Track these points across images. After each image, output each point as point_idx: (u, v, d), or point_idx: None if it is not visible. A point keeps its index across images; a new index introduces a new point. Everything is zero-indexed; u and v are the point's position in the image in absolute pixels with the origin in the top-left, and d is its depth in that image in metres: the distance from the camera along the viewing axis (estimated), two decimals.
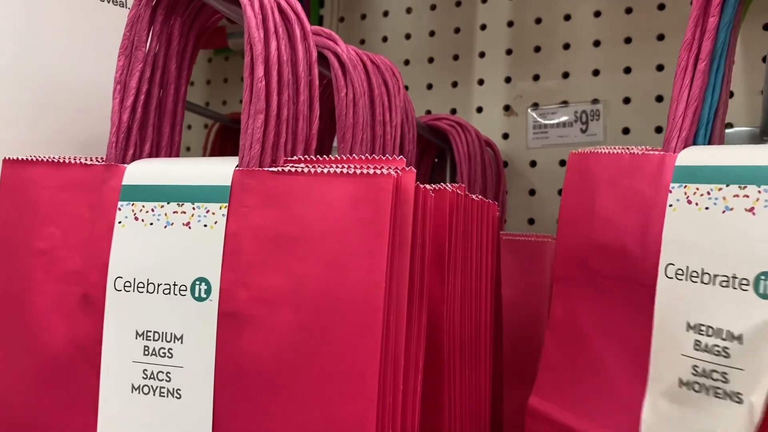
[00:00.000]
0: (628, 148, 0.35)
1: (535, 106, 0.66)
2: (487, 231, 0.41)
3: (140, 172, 0.34)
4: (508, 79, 0.67)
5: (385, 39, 0.74)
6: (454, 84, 0.70)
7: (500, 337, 0.45)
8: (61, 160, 0.35)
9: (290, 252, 0.30)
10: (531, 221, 0.65)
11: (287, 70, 0.33)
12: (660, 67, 0.60)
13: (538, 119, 0.65)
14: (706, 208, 0.31)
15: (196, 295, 0.32)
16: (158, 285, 0.32)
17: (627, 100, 0.61)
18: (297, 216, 0.31)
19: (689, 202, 0.32)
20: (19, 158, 0.36)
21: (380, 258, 0.29)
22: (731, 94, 0.58)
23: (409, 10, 0.73)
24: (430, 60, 0.72)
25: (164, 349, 0.32)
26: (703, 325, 0.31)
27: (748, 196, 0.30)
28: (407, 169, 0.31)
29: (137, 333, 0.33)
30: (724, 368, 0.30)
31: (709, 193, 0.31)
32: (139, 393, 0.32)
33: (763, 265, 0.29)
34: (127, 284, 0.33)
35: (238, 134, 0.33)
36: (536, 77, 0.66)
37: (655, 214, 0.32)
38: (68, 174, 0.35)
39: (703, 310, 0.31)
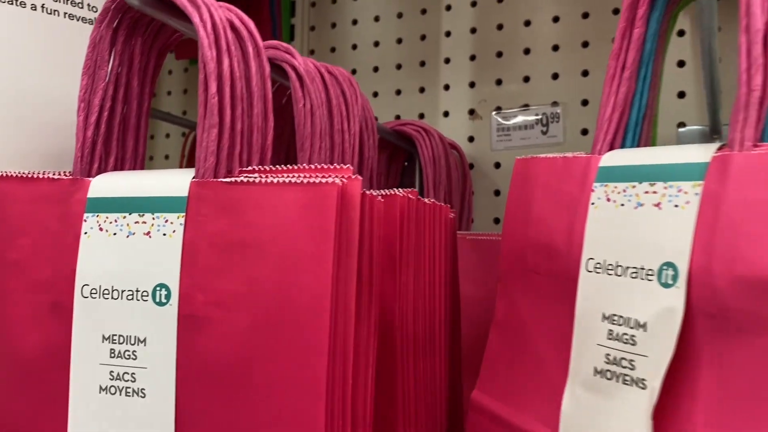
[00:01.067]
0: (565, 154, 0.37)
1: (498, 109, 0.68)
2: (440, 232, 0.44)
3: (104, 185, 0.36)
4: (472, 84, 0.70)
5: (354, 47, 0.76)
6: (422, 89, 0.72)
7: (458, 333, 0.47)
8: (30, 175, 0.37)
9: (244, 257, 0.33)
10: (497, 221, 0.68)
11: (240, 85, 0.36)
12: None
13: (502, 122, 0.68)
14: (622, 205, 0.33)
15: (157, 300, 0.34)
16: (122, 291, 0.34)
17: (585, 102, 0.64)
18: (250, 223, 0.33)
19: (608, 199, 0.34)
20: None
21: (326, 261, 0.31)
22: (683, 95, 0.61)
23: (377, 19, 0.75)
24: (398, 66, 0.74)
25: (129, 351, 0.34)
26: (615, 315, 0.33)
27: (656, 192, 0.32)
28: (354, 177, 0.33)
29: (104, 337, 0.35)
30: (632, 356, 0.32)
31: (624, 190, 0.34)
32: (106, 393, 0.34)
33: (665, 255, 0.31)
34: (93, 291, 0.35)
35: None
36: (499, 82, 0.68)
37: (580, 213, 0.34)
38: (37, 188, 0.37)
39: (615, 301, 0.33)
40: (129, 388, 0.34)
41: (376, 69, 0.75)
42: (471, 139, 0.70)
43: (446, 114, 0.71)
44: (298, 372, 0.31)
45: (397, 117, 0.73)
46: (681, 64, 0.60)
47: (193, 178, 0.34)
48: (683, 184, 0.31)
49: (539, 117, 0.66)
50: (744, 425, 0.29)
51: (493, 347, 0.41)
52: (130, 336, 0.34)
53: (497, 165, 0.68)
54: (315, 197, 0.32)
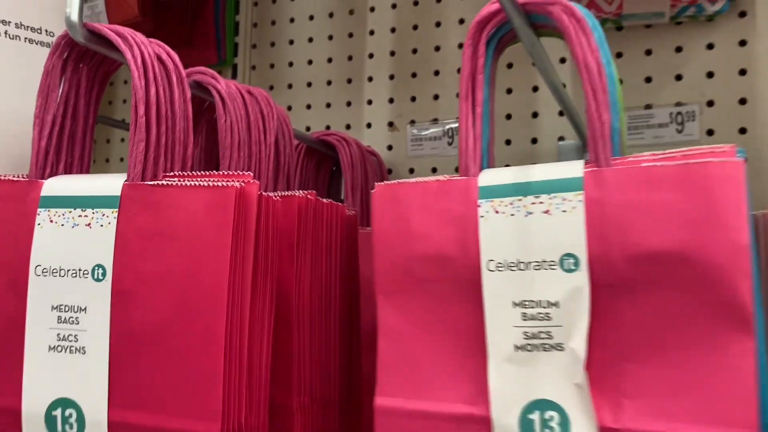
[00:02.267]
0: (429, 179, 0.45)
1: (413, 122, 0.78)
2: (337, 226, 0.53)
3: (55, 185, 0.45)
4: (391, 100, 0.79)
5: (291, 64, 0.85)
6: (348, 103, 0.82)
7: (356, 312, 0.56)
8: None
9: (163, 245, 0.41)
10: None
11: (165, 108, 0.45)
12: (509, 91, 0.73)
13: (416, 133, 0.77)
14: (512, 215, 0.41)
15: (95, 277, 0.43)
16: (68, 270, 0.43)
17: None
18: (167, 218, 0.42)
19: (497, 212, 0.42)
20: None
21: (225, 248, 0.40)
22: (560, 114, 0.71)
23: (310, 40, 0.84)
24: (329, 83, 0.83)
25: (72, 318, 0.43)
26: (526, 300, 0.41)
27: (542, 203, 0.41)
28: (252, 181, 0.42)
29: (52, 306, 0.43)
30: (548, 328, 0.40)
31: (512, 203, 0.42)
32: (54, 351, 0.43)
33: (565, 248, 0.40)
34: (45, 270, 0.44)
35: None
36: (413, 99, 0.78)
37: (469, 225, 0.42)
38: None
39: (524, 290, 0.41)
40: (72, 346, 0.43)
41: (309, 84, 0.84)
42: (390, 147, 0.79)
43: (369, 125, 0.81)
44: (204, 335, 0.40)
45: (327, 127, 0.83)
46: (535, 89, 0.71)
47: (125, 181, 0.43)
48: (566, 194, 0.40)
49: (446, 130, 0.75)
50: (636, 354, 0.38)
51: (386, 355, 0.45)
52: (74, 306, 0.43)
53: (411, 170, 0.78)
54: (218, 197, 0.41)
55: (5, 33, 0.57)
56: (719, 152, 0.36)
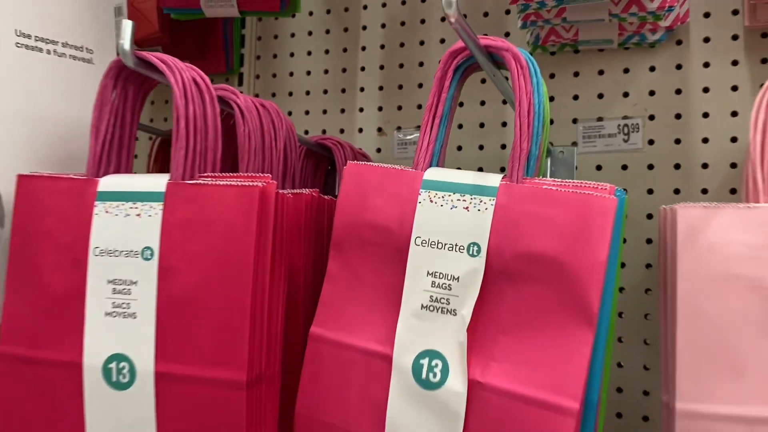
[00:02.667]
0: (393, 166, 0.56)
1: (399, 128, 0.89)
2: (332, 220, 0.64)
3: (109, 183, 0.55)
4: (380, 108, 0.90)
5: (291, 74, 0.96)
6: (342, 110, 0.92)
7: None
8: (56, 175, 0.56)
9: (201, 231, 0.52)
10: None
11: (200, 122, 0.55)
12: (482, 102, 0.84)
13: (401, 138, 0.88)
14: (441, 205, 0.53)
15: (144, 257, 0.53)
16: (121, 251, 0.54)
17: (461, 126, 0.85)
18: (204, 210, 0.52)
19: (431, 201, 0.54)
20: (28, 174, 0.57)
21: (251, 235, 0.51)
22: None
23: (309, 53, 0.95)
24: (325, 92, 0.94)
25: (126, 289, 0.53)
26: (437, 272, 0.53)
27: (465, 200, 0.52)
28: (271, 182, 0.53)
29: (108, 280, 0.54)
30: (448, 296, 0.52)
31: (443, 197, 0.53)
32: (110, 316, 0.54)
33: (472, 237, 0.51)
34: (102, 251, 0.54)
35: None
36: (399, 107, 0.89)
37: (409, 207, 0.54)
38: (62, 184, 0.56)
39: (436, 264, 0.53)
40: (125, 312, 0.53)
41: (308, 92, 0.95)
42: (379, 150, 0.90)
43: (360, 130, 0.91)
44: (233, 302, 0.51)
45: (323, 131, 0.93)
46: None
47: (169, 180, 0.54)
48: (483, 197, 0.51)
49: None
50: (508, 329, 0.49)
51: (327, 294, 0.57)
52: (126, 279, 0.53)
53: None
54: (245, 194, 0.52)
55: (54, 51, 0.67)
56: (601, 189, 0.47)
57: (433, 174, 0.54)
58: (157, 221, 0.53)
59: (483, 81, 0.83)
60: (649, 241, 0.75)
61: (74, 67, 0.69)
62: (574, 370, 0.47)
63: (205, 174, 0.55)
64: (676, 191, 0.75)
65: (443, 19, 0.87)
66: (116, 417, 0.54)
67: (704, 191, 0.74)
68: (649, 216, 0.75)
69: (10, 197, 0.61)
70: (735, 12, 0.73)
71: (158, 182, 0.54)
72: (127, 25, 0.54)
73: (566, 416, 0.46)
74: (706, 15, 0.75)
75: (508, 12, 0.83)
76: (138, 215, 0.54)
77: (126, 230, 0.54)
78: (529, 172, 0.52)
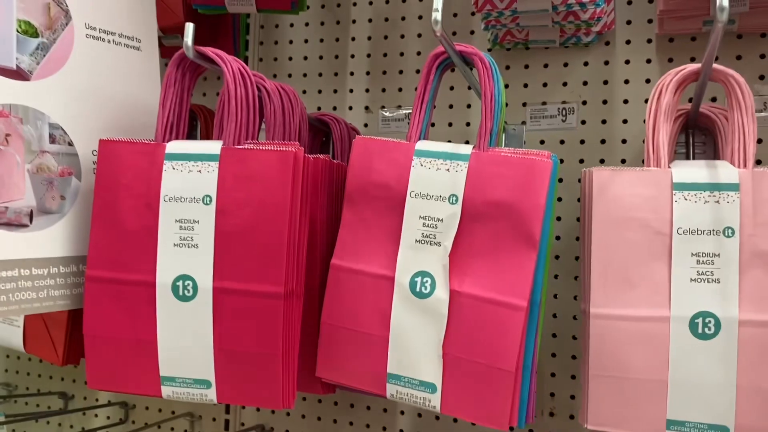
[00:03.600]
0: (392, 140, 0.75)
1: (383, 107, 1.07)
2: (340, 179, 0.83)
3: (174, 146, 0.73)
4: (367, 90, 1.08)
5: (290, 58, 1.13)
6: (335, 91, 1.10)
7: None
8: (132, 140, 0.73)
9: (248, 183, 0.70)
10: None
11: (244, 101, 0.73)
12: (451, 88, 1.03)
13: (385, 115, 1.07)
14: (429, 168, 0.71)
15: (205, 202, 0.71)
16: (186, 198, 0.71)
17: (434, 107, 1.04)
18: (251, 167, 0.70)
19: (421, 165, 0.72)
20: (108, 139, 0.74)
21: (287, 185, 0.69)
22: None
23: (306, 41, 1.12)
24: (320, 74, 1.11)
25: (190, 226, 0.71)
26: (426, 216, 0.71)
27: (446, 164, 0.71)
28: (300, 148, 0.71)
29: (176, 220, 0.71)
30: (435, 233, 0.71)
31: (430, 161, 0.72)
32: (178, 247, 0.71)
33: (451, 191, 0.69)
34: (170, 198, 0.71)
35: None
36: (383, 90, 1.07)
37: (405, 170, 0.71)
38: (137, 147, 0.73)
39: (426, 210, 0.70)
40: (189, 243, 0.71)
41: (305, 75, 1.12)
42: (366, 125, 1.09)
43: (350, 108, 1.10)
44: (274, 235, 0.69)
45: (318, 108, 1.11)
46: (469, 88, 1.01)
47: (222, 145, 0.72)
48: (459, 162, 0.70)
49: (407, 114, 1.06)
50: (477, 254, 0.69)
51: (343, 235, 0.74)
52: (190, 219, 0.71)
53: None
54: (283, 156, 0.70)
55: (113, 41, 0.83)
56: (541, 155, 0.67)
57: (422, 145, 0.73)
58: (214, 176, 0.71)
59: (452, 70, 1.02)
60: (579, 200, 0.96)
61: (128, 54, 0.85)
62: (523, 279, 0.67)
63: (249, 141, 0.73)
64: (601, 161, 0.96)
65: (421, 17, 1.05)
66: (182, 322, 0.72)
67: (623, 161, 0.95)
68: (580, 180, 0.96)
69: (85, 158, 0.78)
70: (650, 21, 0.94)
71: (214, 146, 0.72)
72: (190, 27, 0.71)
73: (518, 311, 0.67)
74: (628, 22, 0.95)
75: (473, 14, 1.02)
76: (199, 171, 0.71)
77: (189, 183, 0.71)
78: (491, 143, 0.71)
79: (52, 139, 0.75)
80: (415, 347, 0.71)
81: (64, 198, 0.76)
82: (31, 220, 0.72)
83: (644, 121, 0.92)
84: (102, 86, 0.81)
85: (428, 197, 0.71)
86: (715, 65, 0.69)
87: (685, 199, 0.68)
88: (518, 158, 0.68)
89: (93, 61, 0.80)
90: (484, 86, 0.70)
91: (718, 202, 0.68)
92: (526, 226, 0.67)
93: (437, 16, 0.64)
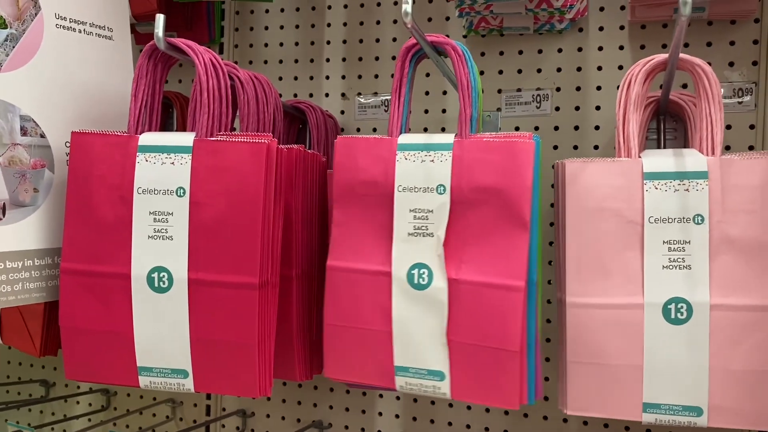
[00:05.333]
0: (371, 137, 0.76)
1: (359, 94, 1.07)
2: (315, 168, 0.83)
3: (147, 138, 0.72)
4: (343, 77, 1.08)
5: (266, 45, 1.12)
6: (311, 77, 1.10)
7: (326, 219, 0.87)
8: (105, 132, 0.73)
9: (221, 174, 0.70)
10: None
11: (217, 92, 0.73)
12: (427, 74, 1.03)
13: (361, 102, 1.07)
14: (413, 161, 0.71)
15: (178, 194, 0.71)
16: (159, 190, 0.71)
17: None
18: (224, 159, 0.70)
19: (405, 159, 0.72)
20: (80, 131, 0.73)
21: (260, 176, 0.69)
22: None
23: (281, 27, 1.11)
24: (296, 61, 1.11)
25: (164, 218, 0.71)
26: (416, 208, 0.71)
27: (430, 155, 0.71)
28: (273, 139, 0.71)
29: (149, 212, 0.71)
30: (426, 224, 0.71)
31: (414, 154, 0.71)
32: (152, 239, 0.72)
33: (438, 181, 0.69)
34: (144, 191, 0.72)
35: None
36: (359, 77, 1.07)
37: (390, 165, 0.71)
38: (110, 139, 0.73)
39: (415, 203, 0.70)
40: (164, 236, 0.71)
41: (281, 61, 1.12)
42: (342, 112, 1.09)
43: (327, 95, 1.10)
44: (248, 226, 0.70)
45: (295, 95, 1.11)
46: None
47: (195, 137, 0.72)
48: (443, 152, 0.70)
49: (383, 100, 1.06)
50: (471, 240, 0.69)
51: (336, 236, 0.75)
52: (164, 211, 0.71)
53: (358, 129, 1.08)
54: (255, 147, 0.70)
55: (83, 30, 0.83)
56: (523, 136, 0.68)
57: (404, 139, 0.73)
58: (187, 168, 0.71)
59: (427, 75, 1.03)
60: (552, 186, 0.97)
61: (98, 43, 0.85)
62: (518, 261, 0.68)
63: (221, 133, 0.73)
64: (575, 147, 0.97)
65: (396, 3, 1.05)
66: (158, 313, 0.72)
67: (596, 147, 0.96)
68: (554, 168, 0.97)
69: (58, 149, 0.78)
70: (622, 8, 0.95)
71: (187, 138, 0.72)
72: (160, 18, 0.71)
73: (517, 292, 0.68)
74: (601, 9, 0.96)
75: (448, 0, 1.02)
76: (172, 163, 0.71)
77: (163, 174, 0.71)
78: (472, 130, 0.72)
79: (24, 132, 0.74)
80: (419, 338, 0.72)
81: (37, 190, 0.75)
82: (3, 214, 0.72)
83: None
84: (73, 77, 0.80)
85: (416, 190, 0.71)
86: (682, 55, 0.70)
87: (656, 188, 0.70)
88: (501, 142, 0.69)
89: (63, 51, 0.79)
90: (459, 74, 0.71)
91: (687, 190, 0.69)
92: (515, 207, 0.68)
93: (407, 8, 0.64)
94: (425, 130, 1.03)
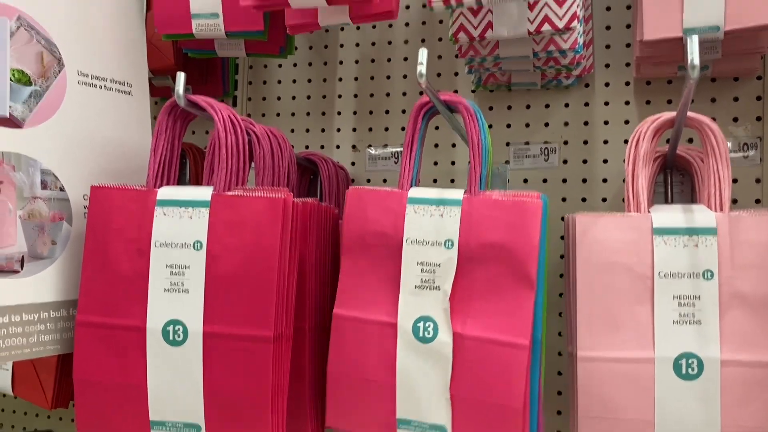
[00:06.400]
0: (383, 188, 0.77)
1: (370, 146, 1.09)
2: (328, 221, 0.84)
3: (165, 192, 0.74)
4: (354, 129, 1.10)
5: (279, 98, 1.15)
6: (323, 130, 1.12)
7: (337, 270, 0.87)
8: (124, 186, 0.75)
9: (238, 229, 0.71)
10: None
11: (235, 148, 0.74)
12: (437, 128, 1.05)
13: (372, 154, 1.09)
14: (422, 215, 0.72)
15: (195, 248, 0.72)
16: (177, 243, 0.72)
17: None
18: (242, 214, 0.71)
19: (415, 212, 0.73)
20: (100, 185, 0.75)
21: (276, 231, 0.70)
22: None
23: (294, 81, 1.14)
24: (308, 113, 1.13)
25: (180, 271, 0.72)
26: (424, 261, 0.71)
27: (440, 210, 0.73)
28: (289, 194, 0.72)
29: (167, 265, 0.72)
30: (433, 277, 0.71)
31: (423, 208, 0.72)
32: (168, 292, 0.72)
33: (446, 236, 0.71)
34: (161, 244, 0.73)
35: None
36: (370, 129, 1.09)
37: (400, 218, 0.72)
38: (128, 193, 0.74)
39: (423, 256, 0.71)
40: (180, 288, 0.72)
41: (293, 114, 1.14)
42: (353, 163, 1.11)
43: (338, 147, 1.12)
44: (263, 280, 0.70)
45: (306, 147, 1.13)
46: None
47: (213, 191, 0.73)
48: (452, 207, 0.71)
49: (393, 152, 1.08)
50: (477, 296, 0.70)
51: (343, 284, 0.76)
52: (181, 264, 0.72)
53: (368, 180, 1.09)
54: (272, 202, 0.71)
55: (104, 86, 0.85)
56: (531, 196, 0.69)
57: (414, 192, 0.74)
58: (204, 222, 0.72)
59: (436, 128, 1.04)
60: (562, 237, 0.98)
61: (118, 98, 0.87)
62: (524, 318, 0.68)
63: (239, 187, 0.74)
64: (583, 200, 0.98)
65: (406, 59, 1.08)
66: (172, 367, 0.72)
67: (604, 200, 0.97)
68: (563, 220, 0.98)
69: (77, 202, 0.79)
70: (627, 65, 0.97)
71: (205, 193, 0.73)
72: (181, 77, 0.73)
73: (522, 350, 0.68)
74: (607, 66, 0.98)
75: (457, 56, 1.05)
76: (190, 217, 0.73)
77: (180, 228, 0.73)
78: (481, 187, 0.73)
79: (44, 185, 0.76)
80: (422, 391, 0.72)
81: (54, 243, 0.76)
82: (22, 266, 0.73)
83: (624, 161, 0.95)
84: (93, 131, 0.82)
85: (424, 243, 0.72)
86: (689, 113, 0.72)
87: (665, 244, 0.71)
88: (509, 201, 0.70)
89: (84, 106, 0.81)
90: (470, 133, 0.72)
91: (696, 246, 0.70)
92: (522, 266, 0.69)
93: (422, 69, 0.66)
94: (435, 182, 1.05)
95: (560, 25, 0.79)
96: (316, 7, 0.79)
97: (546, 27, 0.80)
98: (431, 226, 0.72)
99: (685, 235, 0.70)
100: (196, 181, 1.03)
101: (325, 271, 0.84)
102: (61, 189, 0.78)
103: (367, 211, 0.75)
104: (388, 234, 0.74)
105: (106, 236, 0.74)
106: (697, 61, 0.58)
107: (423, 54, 0.67)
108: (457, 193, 0.73)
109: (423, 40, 1.07)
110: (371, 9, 0.77)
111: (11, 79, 0.74)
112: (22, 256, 0.73)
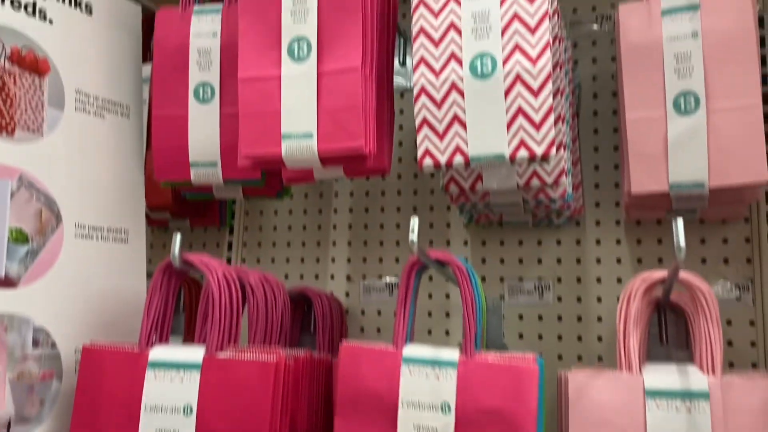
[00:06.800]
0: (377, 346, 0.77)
1: (364, 277, 1.10)
2: (321, 371, 0.84)
3: (157, 354, 0.74)
4: (348, 260, 1.11)
5: (275, 228, 1.16)
6: (317, 260, 1.13)
7: (331, 412, 0.86)
8: (114, 348, 0.74)
9: (230, 392, 0.71)
10: None
11: (228, 306, 0.75)
12: (430, 296, 1.06)
13: (366, 285, 1.10)
14: (418, 376, 0.72)
15: (185, 413, 0.71)
16: (167, 407, 0.72)
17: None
18: (234, 376, 0.71)
19: (410, 373, 0.73)
20: (91, 346, 0.75)
21: (268, 395, 0.70)
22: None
23: (290, 212, 1.16)
24: (303, 244, 1.15)
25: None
26: (420, 425, 0.70)
27: (435, 370, 0.72)
28: (281, 356, 0.72)
29: (156, 429, 0.71)
30: None
31: (418, 369, 0.73)
32: None
33: (442, 399, 0.70)
34: (151, 408, 0.72)
35: None
36: (364, 260, 1.10)
37: (394, 378, 0.72)
38: (119, 355, 0.74)
39: (419, 419, 0.69)
40: None
41: (288, 244, 1.15)
42: (347, 294, 1.11)
43: (332, 277, 1.12)
44: None
45: (301, 276, 1.14)
46: (447, 296, 1.05)
47: (204, 354, 0.73)
48: (448, 369, 0.71)
49: (387, 284, 1.08)
50: None
51: None
52: (170, 429, 0.71)
53: (363, 312, 1.09)
54: (263, 367, 0.71)
55: (100, 236, 0.86)
56: (527, 359, 0.69)
57: (409, 351, 0.74)
58: (195, 385, 0.72)
59: (430, 278, 1.05)
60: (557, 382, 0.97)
61: (114, 248, 0.88)
62: None
63: (230, 348, 0.74)
64: (579, 338, 0.98)
65: (399, 192, 1.10)
66: None
67: (599, 338, 0.97)
68: (560, 357, 0.98)
69: (67, 357, 0.78)
70: (617, 204, 0.99)
71: (196, 354, 0.73)
72: (177, 237, 0.74)
73: None
74: (597, 204, 1.00)
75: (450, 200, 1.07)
76: (181, 380, 0.72)
77: (171, 392, 0.72)
78: (477, 346, 0.73)
79: (36, 343, 0.76)
80: None
81: (43, 403, 0.76)
82: (8, 431, 0.72)
83: (617, 298, 0.95)
84: (88, 284, 0.83)
85: (420, 407, 0.71)
86: (681, 274, 0.72)
87: (657, 407, 0.70)
88: (505, 365, 0.70)
89: (80, 260, 0.82)
90: (463, 293, 0.73)
91: (689, 410, 0.69)
92: (519, 430, 0.68)
93: (413, 237, 0.68)
94: (429, 333, 1.05)
95: (549, 180, 0.81)
96: None
97: (535, 182, 0.82)
98: (427, 388, 0.72)
99: (678, 398, 0.70)
100: (190, 314, 1.03)
101: (318, 423, 0.82)
102: (53, 345, 0.78)
103: (360, 369, 0.75)
104: (383, 396, 0.73)
105: (96, 399, 0.74)
106: (683, 244, 0.59)
107: (414, 222, 0.69)
108: (453, 354, 0.72)
109: (416, 175, 1.09)
110: (365, 166, 0.79)
111: (9, 239, 0.75)
112: (9, 420, 0.72)
